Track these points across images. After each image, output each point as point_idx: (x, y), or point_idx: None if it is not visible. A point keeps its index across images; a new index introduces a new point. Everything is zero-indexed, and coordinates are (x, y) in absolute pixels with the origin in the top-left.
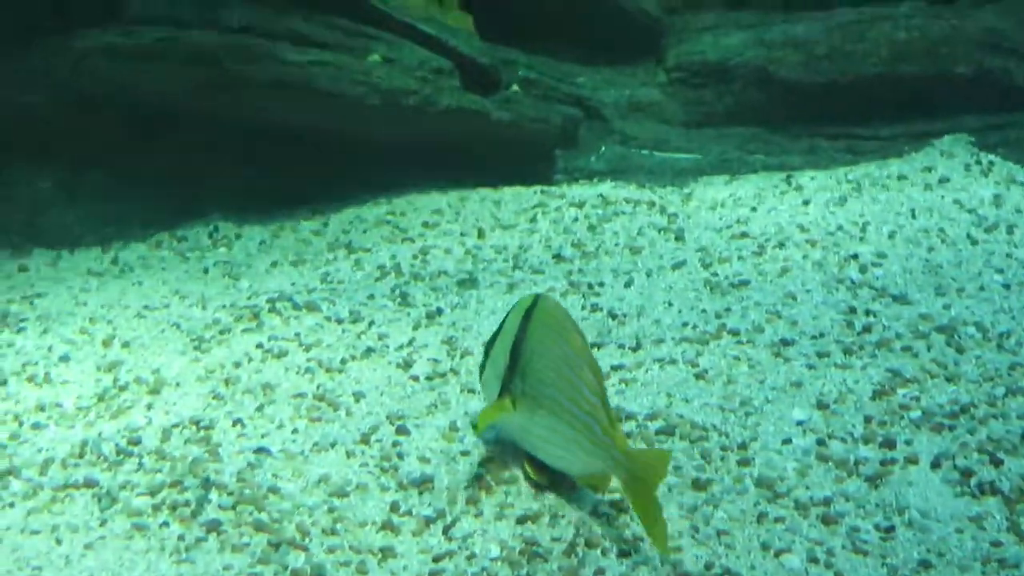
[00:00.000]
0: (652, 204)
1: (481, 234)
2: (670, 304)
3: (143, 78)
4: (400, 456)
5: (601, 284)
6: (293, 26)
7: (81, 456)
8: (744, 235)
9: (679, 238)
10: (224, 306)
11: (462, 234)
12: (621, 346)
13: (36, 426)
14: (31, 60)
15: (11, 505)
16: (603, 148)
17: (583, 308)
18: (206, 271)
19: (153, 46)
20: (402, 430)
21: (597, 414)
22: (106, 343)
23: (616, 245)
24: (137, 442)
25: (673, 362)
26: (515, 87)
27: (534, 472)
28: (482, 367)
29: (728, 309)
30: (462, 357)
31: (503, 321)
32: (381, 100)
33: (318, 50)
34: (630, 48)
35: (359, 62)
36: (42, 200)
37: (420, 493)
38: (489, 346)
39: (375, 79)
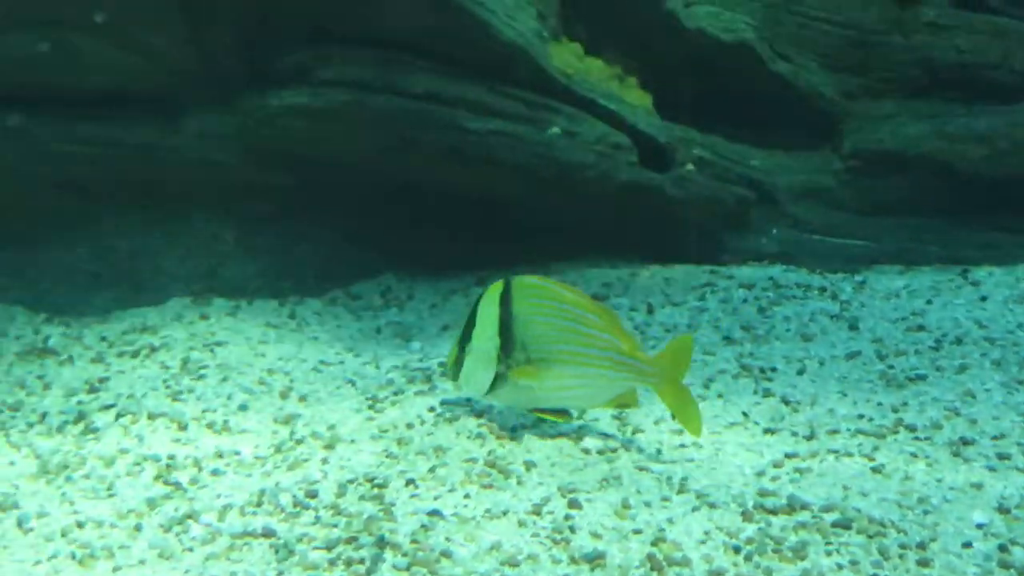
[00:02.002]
0: (824, 290)
1: (650, 310)
2: (844, 394)
3: (330, 139)
4: (572, 530)
5: (773, 369)
6: (476, 96)
7: (259, 505)
8: (920, 328)
9: (852, 327)
10: (397, 367)
11: (631, 309)
12: (795, 434)
13: (215, 472)
14: (226, 118)
15: (190, 550)
16: (774, 231)
17: (755, 392)
18: (379, 330)
19: (341, 108)
20: (574, 503)
21: (612, 345)
22: (283, 395)
23: (787, 330)
24: (314, 495)
25: (849, 454)
26: (690, 166)
27: (551, 416)
28: (456, 362)
29: (905, 403)
30: (633, 433)
31: (471, 315)
32: (559, 172)
33: (499, 120)
34: (806, 132)
35: (539, 134)
36: (224, 252)
37: (592, 569)
38: (463, 341)
39: (554, 151)
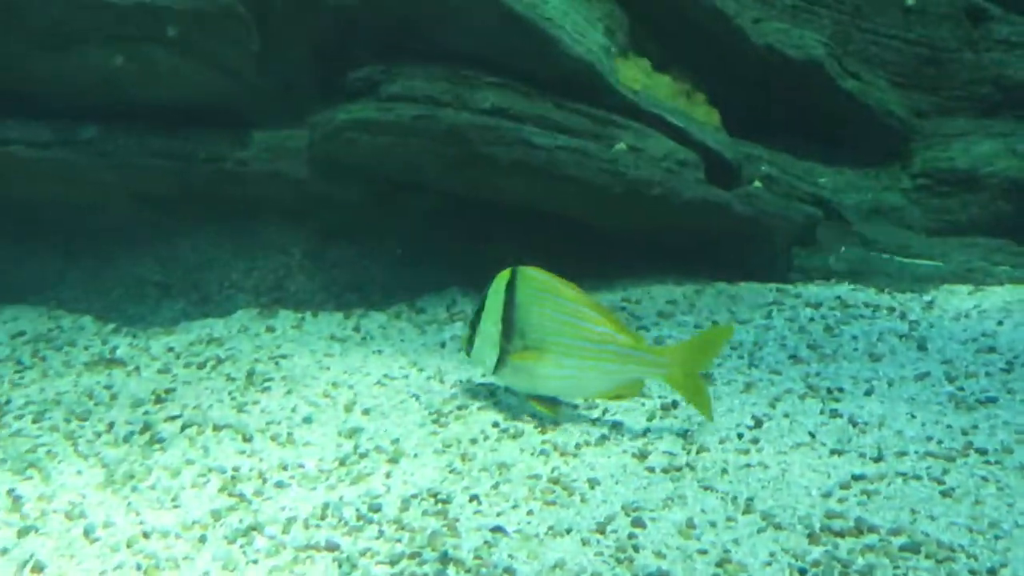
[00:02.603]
0: (892, 310)
1: None
2: (913, 416)
3: (397, 153)
4: (636, 549)
5: (840, 390)
6: (543, 112)
7: (323, 518)
8: (991, 350)
9: (921, 347)
10: (461, 381)
11: (696, 326)
12: (862, 455)
13: (279, 484)
14: (295, 132)
15: (255, 562)
16: (842, 249)
17: (821, 413)
18: (443, 345)
19: (411, 123)
20: (638, 522)
21: (609, 339)
22: (348, 408)
23: (855, 350)
24: (377, 509)
25: (917, 477)
26: (757, 183)
27: (542, 407)
28: (469, 340)
29: (975, 426)
30: (698, 452)
31: (483, 299)
32: (625, 188)
33: (566, 136)
34: (875, 150)
35: (606, 150)
36: (290, 265)
37: None
38: (475, 323)
39: (620, 167)
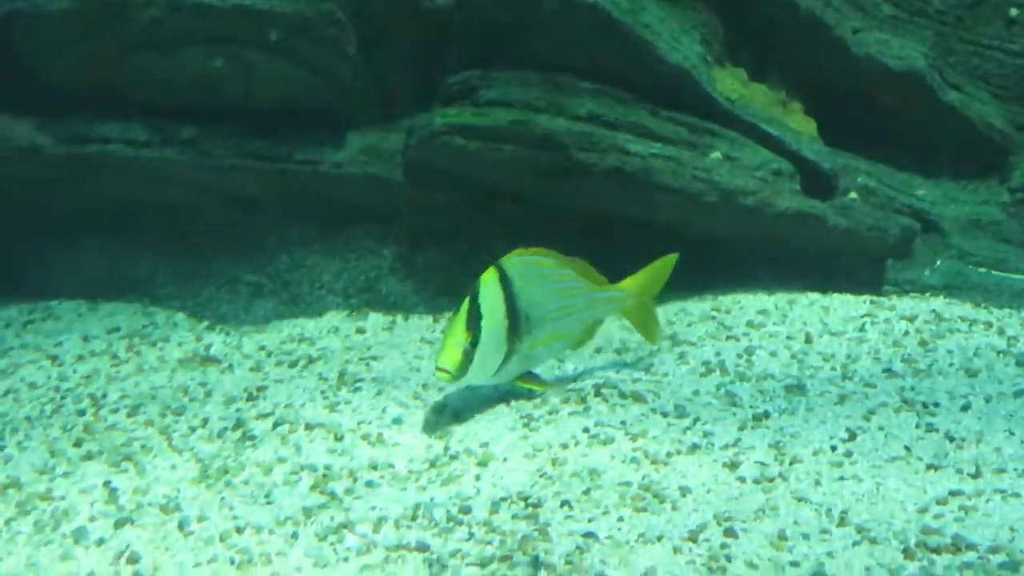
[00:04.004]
0: (989, 325)
1: (808, 339)
2: (1012, 433)
3: (492, 159)
4: (728, 559)
5: (936, 404)
6: (638, 119)
7: (413, 519)
8: None
9: (1020, 364)
10: (551, 386)
11: (788, 337)
12: (959, 471)
13: (369, 484)
14: (390, 135)
15: (345, 560)
16: (938, 262)
17: (917, 427)
18: None
19: (507, 128)
20: (730, 532)
21: (580, 289)
22: (437, 411)
23: (950, 365)
24: (467, 511)
25: (1016, 495)
26: (853, 194)
27: (533, 384)
28: (466, 358)
29: None
30: (791, 464)
31: (471, 309)
32: (719, 198)
33: (661, 144)
34: (974, 163)
35: (701, 158)
36: (382, 268)
37: None
38: (473, 338)
39: (715, 177)
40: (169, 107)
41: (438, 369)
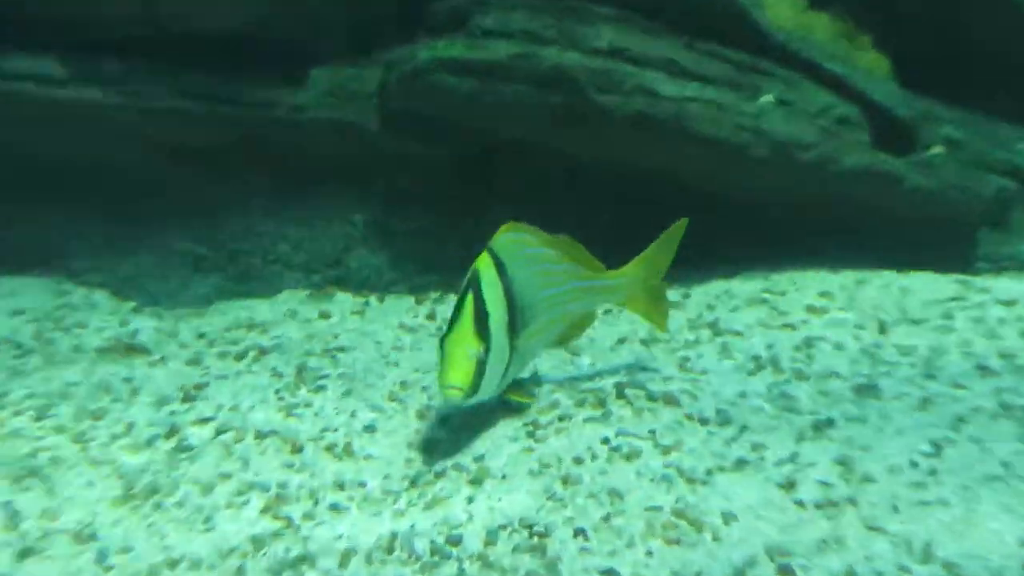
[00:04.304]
0: None
1: (882, 328)
2: None
3: (489, 101)
4: None
5: None
6: (670, 54)
7: (389, 551)
8: None
9: None
10: (562, 384)
11: (857, 326)
12: None
13: (335, 507)
14: (365, 72)
15: None
16: None
17: (1019, 439)
18: None
19: (508, 63)
20: (785, 570)
21: (576, 274)
22: (420, 415)
23: None
24: (456, 542)
25: None
26: (937, 148)
27: (518, 396)
28: (477, 373)
29: None
30: (861, 483)
31: (477, 304)
32: (770, 152)
33: (699, 84)
34: None
35: (748, 103)
36: (352, 236)
37: None
38: (485, 340)
39: (765, 126)
40: (90, 36)
41: (448, 388)
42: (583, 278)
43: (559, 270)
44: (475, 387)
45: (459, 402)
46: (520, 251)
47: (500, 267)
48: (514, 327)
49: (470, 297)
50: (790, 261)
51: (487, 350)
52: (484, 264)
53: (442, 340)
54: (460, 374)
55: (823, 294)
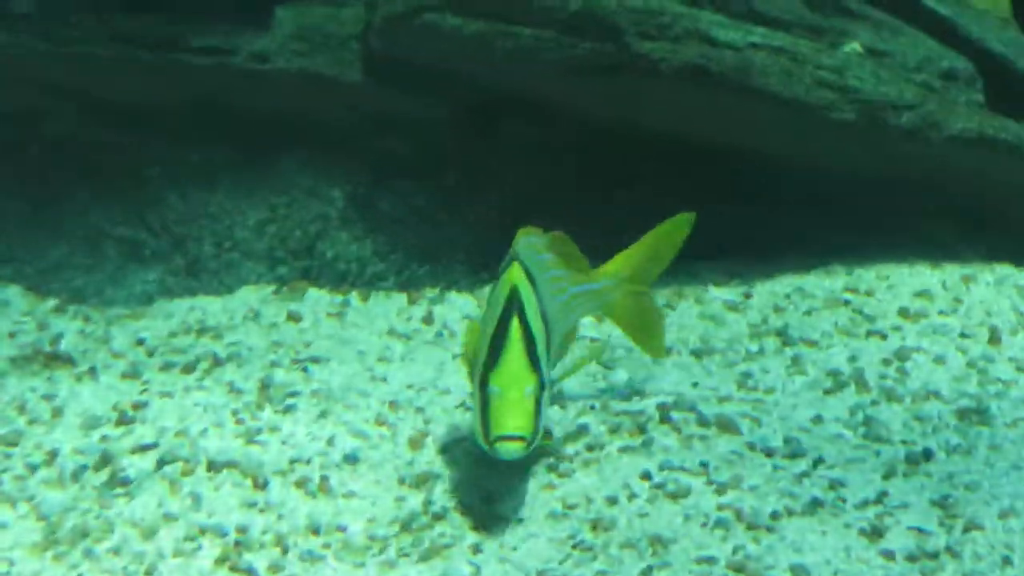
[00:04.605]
0: None
1: (994, 338)
2: None
3: (501, 48)
4: None
5: None
6: None
7: None
8: None
9: None
10: (593, 407)
11: (963, 335)
12: None
13: (308, 556)
14: (343, 11)
15: None
16: None
17: None
18: None
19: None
20: None
21: (567, 285)
22: (414, 444)
23: None
24: None
25: None
26: None
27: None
28: (539, 410)
29: None
30: (965, 532)
31: (523, 325)
32: (857, 114)
33: (765, 29)
34: None
35: (828, 52)
36: (328, 218)
37: None
38: (538, 370)
39: (851, 81)
40: None
41: (507, 439)
42: (579, 282)
43: (559, 276)
44: (536, 432)
45: (522, 455)
46: (536, 258)
47: (532, 282)
48: (550, 351)
49: (516, 322)
50: (880, 252)
51: (542, 386)
52: (519, 280)
53: (483, 379)
54: (522, 419)
55: (921, 294)
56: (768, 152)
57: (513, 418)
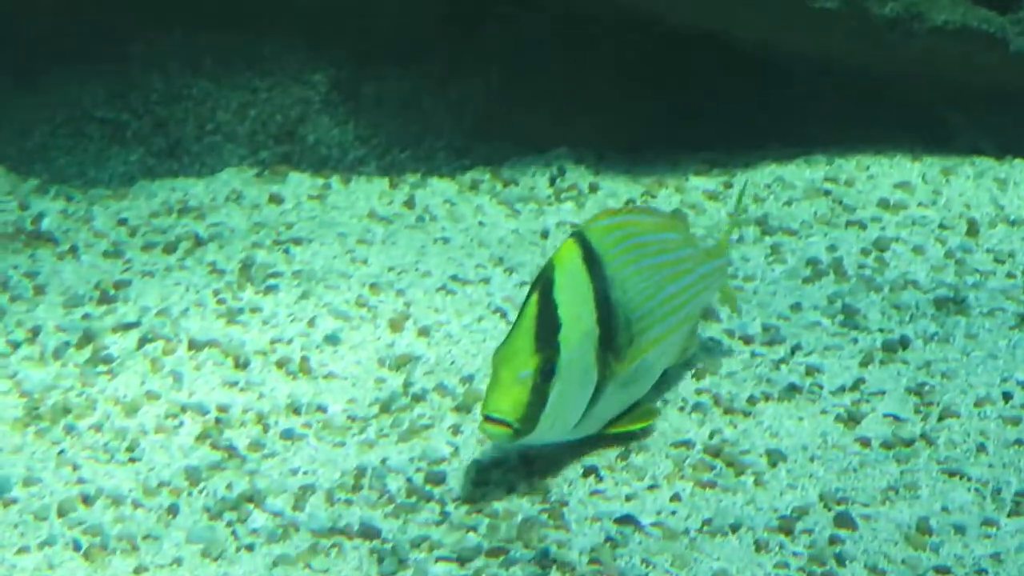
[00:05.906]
0: None
1: (972, 229)
2: None
3: None
4: (840, 560)
5: None
6: None
7: (355, 490)
8: None
9: None
10: None
11: (942, 225)
12: None
13: (288, 435)
14: None
15: (250, 548)
16: None
17: None
18: (545, 234)
19: None
20: (845, 520)
21: (694, 261)
22: (395, 325)
23: None
24: (439, 480)
25: None
26: None
27: (630, 424)
28: (533, 402)
29: None
30: (940, 420)
31: (542, 307)
32: (840, 3)
33: None
34: None
35: None
36: (310, 101)
37: None
38: (548, 353)
39: None
40: None
41: (488, 420)
42: (701, 261)
43: (676, 259)
44: (530, 421)
45: (505, 442)
46: (626, 241)
47: (593, 263)
48: (612, 345)
49: (534, 300)
50: (861, 143)
51: (548, 373)
52: (565, 258)
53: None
54: (507, 403)
55: (900, 185)
56: (751, 41)
57: (496, 399)
